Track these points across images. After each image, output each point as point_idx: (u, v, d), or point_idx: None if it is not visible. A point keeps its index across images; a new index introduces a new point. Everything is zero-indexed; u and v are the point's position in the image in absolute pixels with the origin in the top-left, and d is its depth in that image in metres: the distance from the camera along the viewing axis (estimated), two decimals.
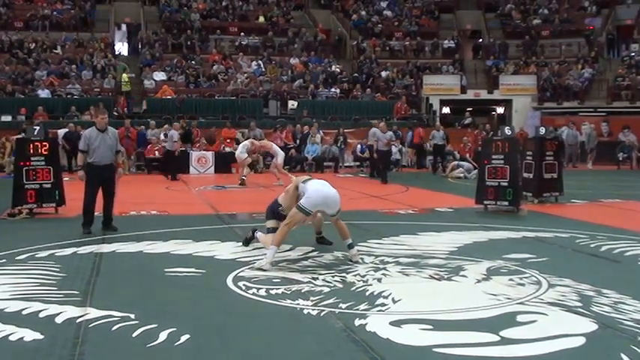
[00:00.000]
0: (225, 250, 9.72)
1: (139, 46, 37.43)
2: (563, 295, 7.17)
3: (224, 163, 26.09)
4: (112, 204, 11.66)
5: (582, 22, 40.27)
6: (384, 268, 8.53)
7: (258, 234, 9.77)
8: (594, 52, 37.98)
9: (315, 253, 9.51)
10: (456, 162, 24.84)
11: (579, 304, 6.84)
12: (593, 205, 15.65)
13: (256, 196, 17.39)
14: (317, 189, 9.04)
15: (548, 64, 37.71)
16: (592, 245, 10.27)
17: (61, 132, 25.27)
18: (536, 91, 36.16)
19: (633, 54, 37.55)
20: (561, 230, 11.58)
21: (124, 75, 32.65)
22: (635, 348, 5.55)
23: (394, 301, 6.95)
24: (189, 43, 36.93)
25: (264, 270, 8.36)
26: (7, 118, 28.19)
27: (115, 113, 29.54)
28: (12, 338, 5.82)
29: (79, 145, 11.77)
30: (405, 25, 41.02)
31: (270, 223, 9.78)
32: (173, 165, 23.29)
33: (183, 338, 5.78)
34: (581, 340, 5.75)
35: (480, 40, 41.34)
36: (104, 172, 11.42)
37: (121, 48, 40.42)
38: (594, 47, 38.55)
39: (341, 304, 6.82)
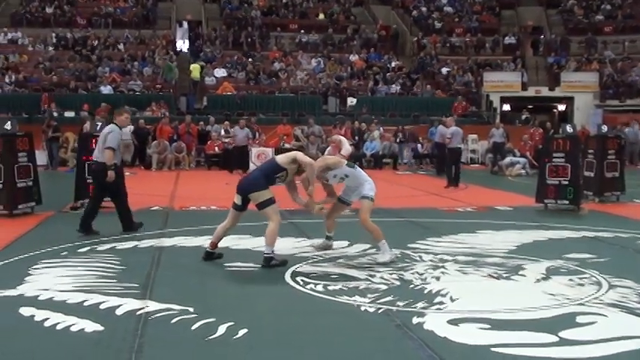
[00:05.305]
0: (284, 245, 9.71)
1: (200, 43, 37.74)
2: (623, 297, 7.06)
3: None
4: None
5: None
6: (443, 267, 8.50)
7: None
8: None
9: (372, 250, 9.47)
10: (509, 159, 24.45)
11: None
12: None
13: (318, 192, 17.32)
14: (365, 176, 9.26)
15: (610, 60, 36.99)
16: None
17: (129, 127, 25.59)
18: (599, 89, 35.54)
19: None
20: (622, 230, 11.39)
21: (194, 65, 33.11)
22: None
23: (452, 300, 6.93)
24: (249, 40, 37.14)
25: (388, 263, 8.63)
26: (70, 114, 28.65)
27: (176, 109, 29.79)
28: (73, 329, 5.96)
29: (111, 143, 10.69)
30: (465, 21, 40.67)
31: None
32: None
33: (241, 332, 5.85)
34: None
35: (542, 36, 40.73)
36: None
37: (182, 45, 40.84)
38: None
39: (398, 302, 6.82)
